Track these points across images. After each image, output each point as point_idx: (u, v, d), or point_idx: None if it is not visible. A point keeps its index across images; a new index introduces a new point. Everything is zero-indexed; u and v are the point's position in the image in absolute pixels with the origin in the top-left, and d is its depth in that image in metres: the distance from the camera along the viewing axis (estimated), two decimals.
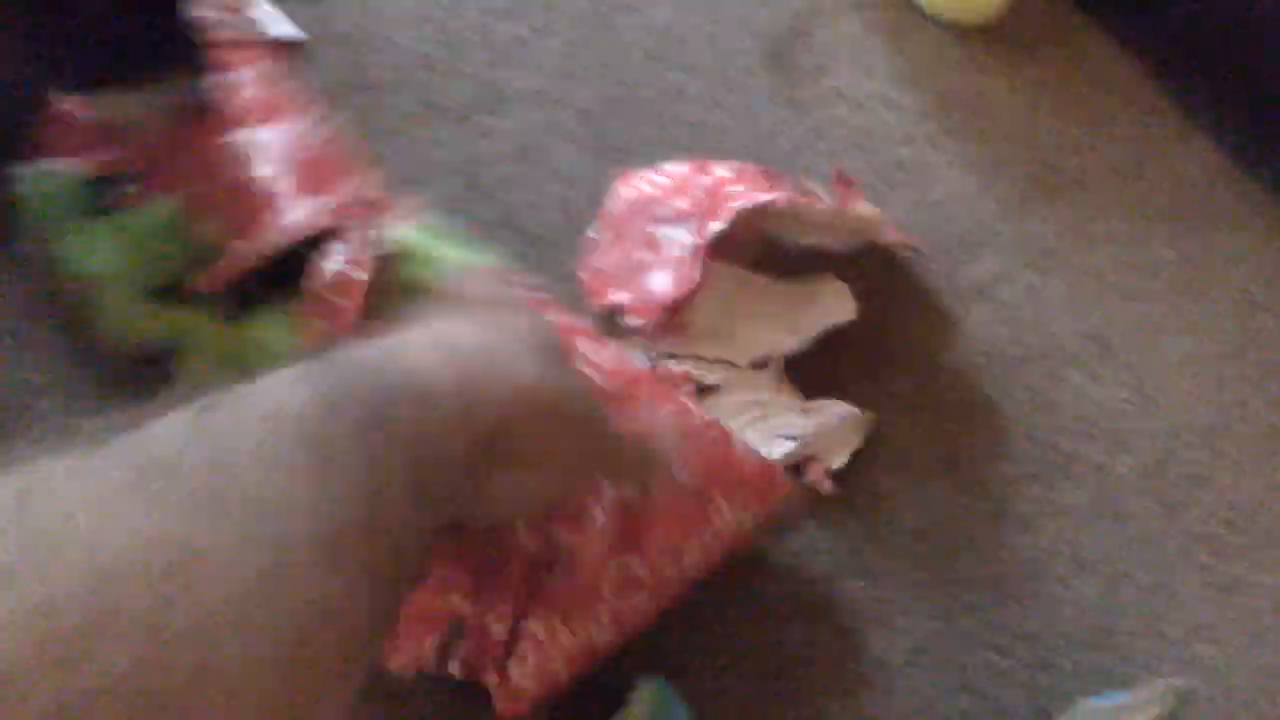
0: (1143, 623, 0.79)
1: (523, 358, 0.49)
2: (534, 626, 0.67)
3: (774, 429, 0.80)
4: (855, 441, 0.81)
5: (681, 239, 0.80)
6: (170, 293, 0.73)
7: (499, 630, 0.67)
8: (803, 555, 0.78)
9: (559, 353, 0.53)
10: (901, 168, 0.88)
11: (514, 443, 0.47)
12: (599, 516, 0.67)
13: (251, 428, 0.38)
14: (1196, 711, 0.77)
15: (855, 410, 0.81)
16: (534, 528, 0.67)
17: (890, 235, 0.83)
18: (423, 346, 0.46)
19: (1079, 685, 0.76)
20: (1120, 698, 0.73)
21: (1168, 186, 0.90)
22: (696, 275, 0.78)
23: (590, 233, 0.83)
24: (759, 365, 0.82)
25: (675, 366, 0.80)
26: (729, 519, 0.70)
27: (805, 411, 0.81)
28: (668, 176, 0.82)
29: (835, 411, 0.81)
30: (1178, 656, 0.79)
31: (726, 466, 0.70)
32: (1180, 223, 0.89)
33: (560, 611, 0.67)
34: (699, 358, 0.81)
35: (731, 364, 0.81)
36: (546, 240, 0.84)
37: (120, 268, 0.73)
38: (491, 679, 0.67)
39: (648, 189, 0.82)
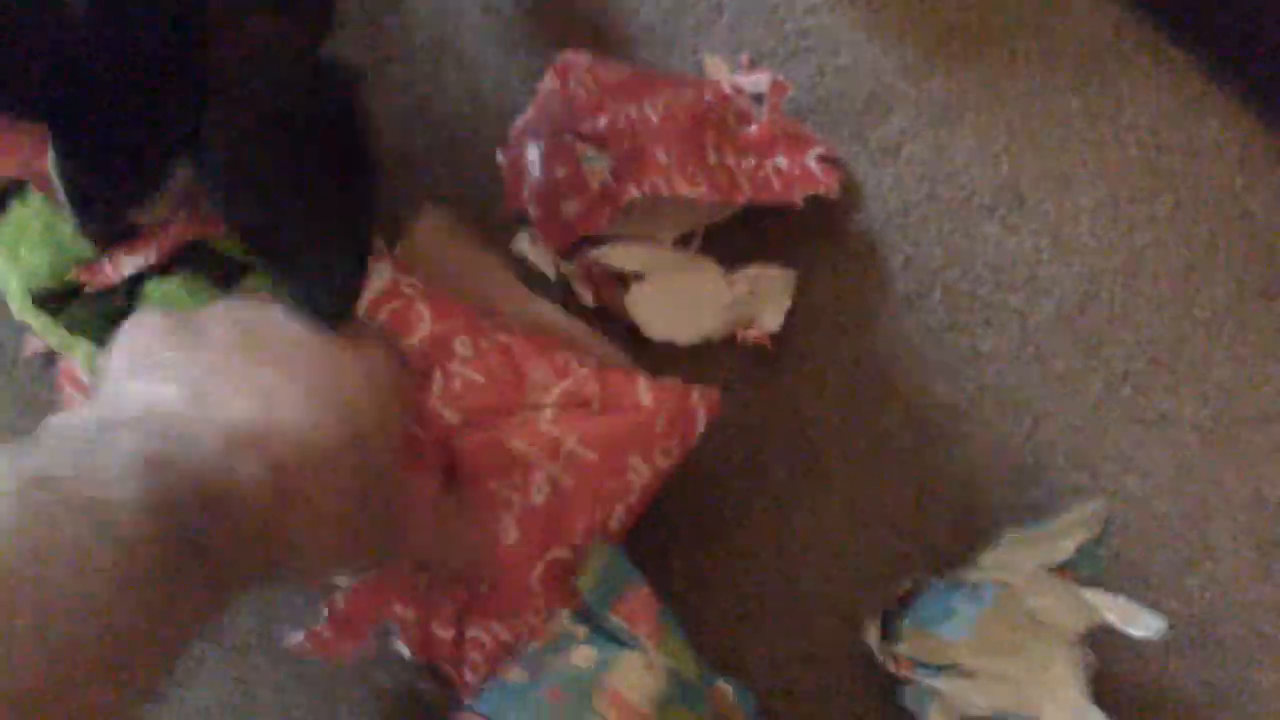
0: (1069, 460, 0.80)
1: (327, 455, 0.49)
2: (474, 632, 0.67)
3: (704, 306, 0.80)
4: (786, 302, 0.81)
5: (598, 169, 0.80)
6: (60, 296, 0.70)
7: (444, 633, 0.67)
8: (735, 414, 0.79)
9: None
10: (805, 36, 0.88)
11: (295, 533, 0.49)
12: (511, 530, 0.67)
13: (68, 517, 0.39)
14: (1126, 541, 0.78)
15: (780, 270, 0.81)
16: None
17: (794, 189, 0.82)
18: (237, 438, 0.46)
19: (1008, 522, 0.77)
20: (1047, 526, 0.74)
21: (1071, 38, 0.90)
22: (604, 225, 0.78)
23: (517, 120, 0.82)
24: (682, 241, 0.82)
25: (595, 253, 0.80)
26: (649, 474, 0.69)
27: (731, 283, 0.81)
28: (597, 82, 0.82)
29: (762, 275, 0.81)
30: (1105, 490, 0.80)
31: (637, 427, 0.69)
32: (1085, 73, 0.89)
33: (495, 615, 0.67)
34: (622, 238, 0.81)
35: (655, 241, 0.81)
36: (459, 130, 0.84)
37: (6, 275, 0.69)
38: (449, 671, 0.68)
39: (575, 86, 0.82)
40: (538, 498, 0.67)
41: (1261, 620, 0.78)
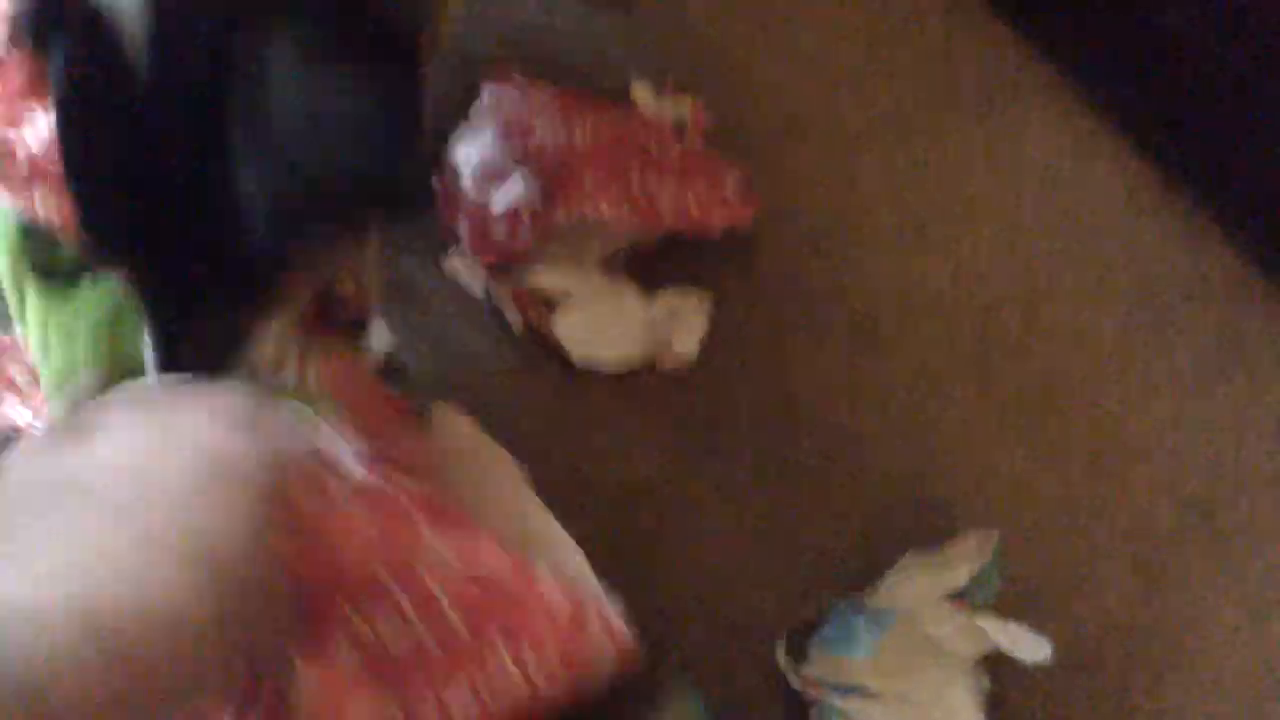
0: (966, 487, 0.84)
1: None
2: None
3: (625, 329, 0.82)
4: (701, 326, 0.83)
5: (526, 192, 0.81)
6: None
7: None
8: (650, 440, 0.81)
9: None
10: (725, 63, 0.90)
11: None
12: (344, 650, 0.59)
13: None
14: (1017, 568, 0.81)
15: (696, 295, 0.84)
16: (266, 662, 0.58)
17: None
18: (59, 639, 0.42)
19: (909, 545, 0.80)
20: (943, 551, 0.77)
21: (975, 74, 0.93)
22: (531, 247, 0.80)
23: (452, 142, 0.84)
24: (607, 262, 0.84)
25: (523, 274, 0.82)
26: (511, 666, 0.60)
27: (649, 307, 0.83)
28: (529, 103, 0.84)
29: (679, 299, 0.83)
30: (1001, 518, 0.83)
31: (514, 606, 0.61)
32: (988, 107, 0.93)
33: None
34: (549, 259, 0.82)
35: (581, 263, 0.83)
36: None
37: (71, 362, 0.63)
38: None
39: (509, 107, 0.83)
40: (394, 647, 0.60)
41: (1144, 645, 0.82)
